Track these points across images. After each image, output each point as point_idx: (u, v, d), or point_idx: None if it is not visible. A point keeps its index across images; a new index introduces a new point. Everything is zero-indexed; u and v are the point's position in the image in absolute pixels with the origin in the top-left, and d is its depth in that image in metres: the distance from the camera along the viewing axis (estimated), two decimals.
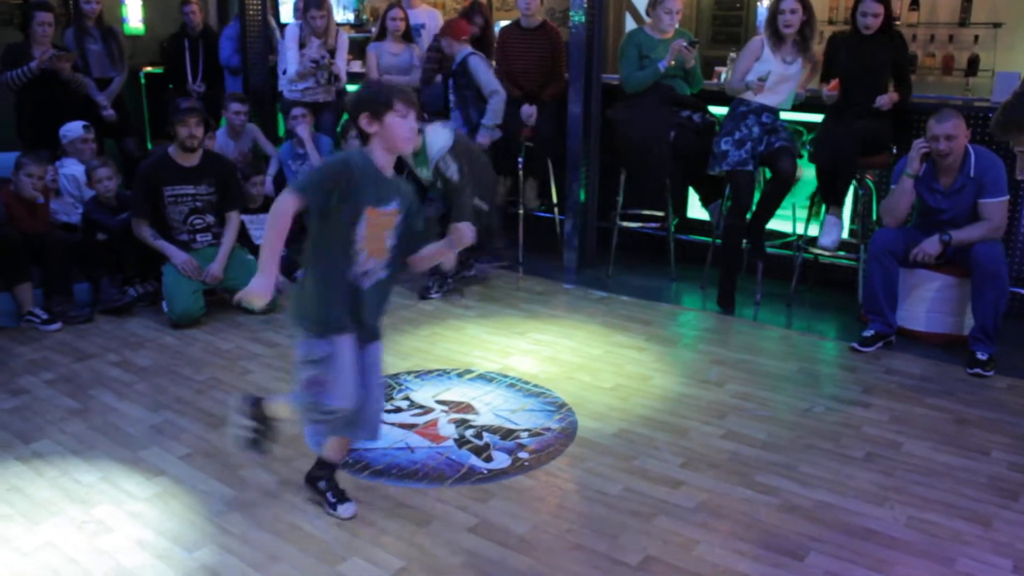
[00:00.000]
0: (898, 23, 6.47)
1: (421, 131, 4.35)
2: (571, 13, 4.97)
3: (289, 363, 3.81)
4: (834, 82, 4.42)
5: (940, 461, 3.02)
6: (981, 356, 3.78)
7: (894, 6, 6.44)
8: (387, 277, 2.51)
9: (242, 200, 4.74)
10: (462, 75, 4.99)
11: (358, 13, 8.33)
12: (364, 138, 2.43)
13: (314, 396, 2.46)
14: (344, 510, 2.66)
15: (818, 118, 4.67)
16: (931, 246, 3.89)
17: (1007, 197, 3.89)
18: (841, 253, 4.66)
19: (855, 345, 4.02)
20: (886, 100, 4.31)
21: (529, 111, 5.24)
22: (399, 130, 2.39)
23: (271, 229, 2.35)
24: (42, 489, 2.82)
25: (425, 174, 4.57)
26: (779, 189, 4.47)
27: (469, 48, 4.99)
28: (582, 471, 2.95)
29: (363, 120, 2.40)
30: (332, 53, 5.57)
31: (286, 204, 2.31)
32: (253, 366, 3.82)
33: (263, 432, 2.69)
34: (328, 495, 2.69)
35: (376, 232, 2.42)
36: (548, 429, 3.23)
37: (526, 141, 5.45)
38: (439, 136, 4.46)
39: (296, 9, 5.89)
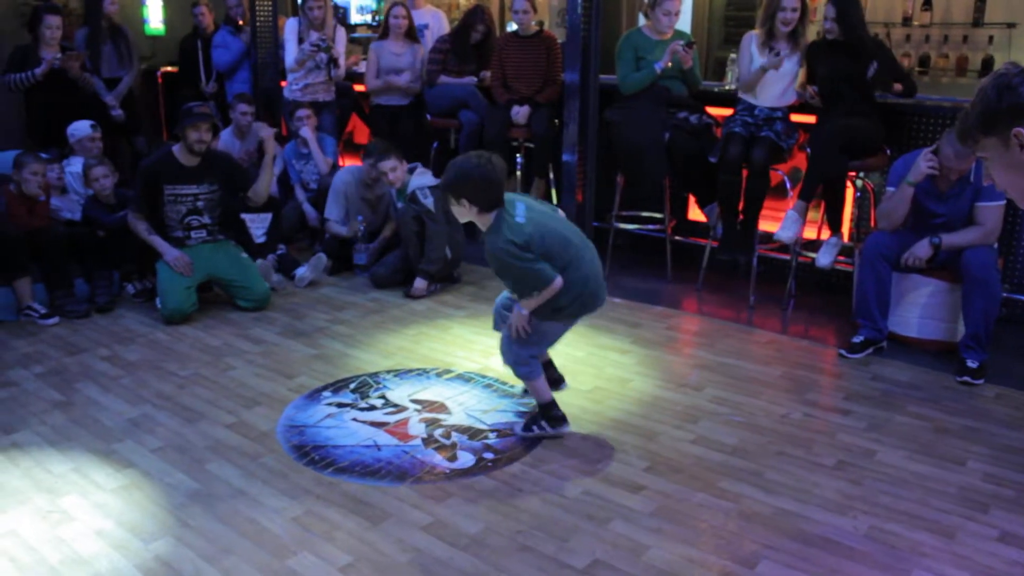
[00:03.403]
0: (912, 24, 6.39)
1: (411, 171, 4.85)
2: (567, 16, 4.96)
3: (273, 360, 3.90)
4: (811, 89, 4.49)
5: (912, 471, 2.96)
6: (971, 364, 3.68)
7: (906, 7, 6.37)
8: None
9: (251, 178, 4.77)
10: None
11: (375, 13, 8.39)
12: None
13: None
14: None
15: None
16: (921, 250, 3.81)
17: (1004, 202, 3.78)
18: (839, 257, 4.57)
19: (843, 351, 3.95)
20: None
21: (519, 110, 5.28)
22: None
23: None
24: (14, 479, 2.89)
25: (400, 203, 4.88)
26: (753, 181, 4.45)
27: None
28: (543, 473, 2.94)
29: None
30: None
31: None
32: (237, 363, 3.87)
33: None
34: (547, 426, 3.17)
35: None
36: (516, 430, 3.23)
37: (525, 142, 5.45)
38: (424, 179, 4.82)
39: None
